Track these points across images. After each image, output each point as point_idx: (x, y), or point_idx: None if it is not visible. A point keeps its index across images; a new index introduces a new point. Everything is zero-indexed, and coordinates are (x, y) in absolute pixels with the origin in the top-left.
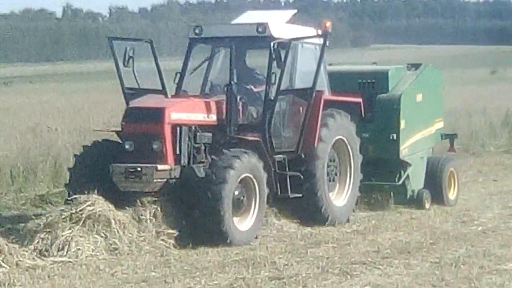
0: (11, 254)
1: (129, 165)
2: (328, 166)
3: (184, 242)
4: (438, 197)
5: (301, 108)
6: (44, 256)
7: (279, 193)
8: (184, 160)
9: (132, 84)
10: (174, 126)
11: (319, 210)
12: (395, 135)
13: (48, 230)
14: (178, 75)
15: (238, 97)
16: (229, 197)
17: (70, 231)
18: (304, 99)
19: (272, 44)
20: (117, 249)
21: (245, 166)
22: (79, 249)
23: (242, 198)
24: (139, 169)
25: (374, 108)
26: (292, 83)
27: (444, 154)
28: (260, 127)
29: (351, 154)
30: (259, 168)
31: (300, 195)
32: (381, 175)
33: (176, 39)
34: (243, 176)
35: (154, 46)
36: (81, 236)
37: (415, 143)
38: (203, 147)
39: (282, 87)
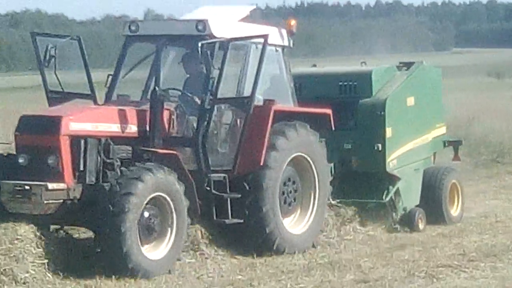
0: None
1: (16, 182)
2: (283, 189)
3: None
4: (438, 214)
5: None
6: None
7: (214, 217)
8: (90, 178)
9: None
10: (75, 138)
11: (270, 241)
12: (380, 145)
13: None
14: (110, 77)
15: (174, 106)
16: (134, 213)
17: None
18: (242, 109)
19: (199, 44)
20: (203, 253)
21: (159, 182)
22: None
23: (153, 221)
24: (27, 187)
25: (357, 114)
26: (240, 90)
27: (446, 164)
28: (193, 140)
29: (315, 173)
30: (177, 189)
31: (241, 220)
32: (367, 191)
33: None
34: (155, 194)
35: (83, 43)
36: None
37: (406, 153)
38: (118, 163)
39: (226, 95)
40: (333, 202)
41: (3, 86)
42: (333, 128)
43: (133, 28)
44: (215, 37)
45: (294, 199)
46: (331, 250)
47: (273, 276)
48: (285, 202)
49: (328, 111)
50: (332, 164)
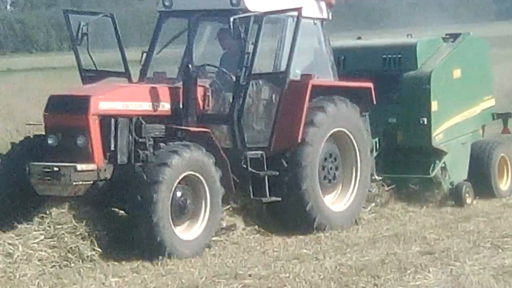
0: None
1: (46, 163)
2: (324, 165)
3: None
4: (487, 188)
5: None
6: None
7: (252, 196)
8: (121, 158)
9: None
10: (105, 118)
11: (310, 220)
12: (425, 119)
13: None
14: (145, 54)
15: (209, 82)
16: (165, 201)
17: None
18: (277, 85)
19: (231, 19)
20: (268, 227)
21: (187, 162)
22: (232, 228)
23: (186, 201)
24: (56, 169)
25: (401, 88)
26: (277, 65)
27: (495, 137)
28: (228, 117)
29: (356, 148)
30: (207, 164)
31: (279, 198)
32: (412, 166)
33: None
34: (185, 174)
35: (116, 20)
36: (230, 216)
37: (452, 127)
38: (150, 142)
39: (264, 71)
40: (377, 178)
41: (40, 66)
42: (375, 102)
43: (167, 3)
44: (249, 11)
45: (335, 176)
46: (395, 223)
47: (338, 249)
48: (325, 179)
49: (370, 84)
50: (376, 139)
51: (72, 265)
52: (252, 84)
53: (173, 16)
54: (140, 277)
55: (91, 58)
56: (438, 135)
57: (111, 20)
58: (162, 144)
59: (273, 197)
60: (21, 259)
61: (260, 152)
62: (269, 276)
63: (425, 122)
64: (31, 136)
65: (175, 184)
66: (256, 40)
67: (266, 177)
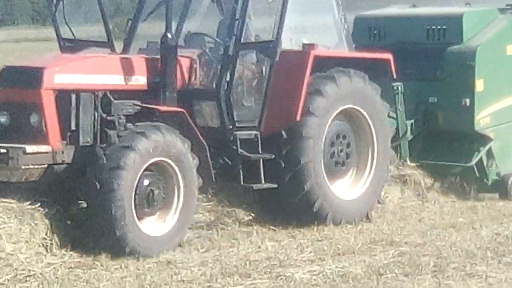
0: None
1: None
2: (333, 145)
3: None
4: None
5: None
6: None
7: (242, 182)
8: (84, 139)
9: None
10: (62, 93)
11: (311, 207)
12: (468, 100)
13: None
14: (130, 22)
15: (198, 53)
16: (127, 190)
17: None
18: (267, 56)
19: None
20: (425, 196)
21: (156, 146)
22: (387, 196)
23: (153, 191)
24: (2, 150)
25: (444, 64)
26: (276, 35)
27: None
28: (214, 93)
29: (372, 128)
30: (181, 149)
31: (275, 185)
32: (453, 152)
33: None
34: (153, 160)
35: None
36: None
37: (503, 110)
38: (122, 121)
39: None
40: (411, 164)
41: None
42: (394, 76)
43: None
44: None
45: (345, 159)
46: None
47: (495, 219)
48: (334, 161)
49: (388, 56)
50: (411, 121)
51: (229, 228)
52: (242, 55)
53: None
54: (296, 241)
55: (68, 25)
56: (483, 119)
57: None
58: (129, 125)
59: (267, 184)
60: None
61: (253, 132)
62: (425, 244)
63: (468, 104)
64: None
65: (141, 171)
66: (245, 4)
67: (261, 161)
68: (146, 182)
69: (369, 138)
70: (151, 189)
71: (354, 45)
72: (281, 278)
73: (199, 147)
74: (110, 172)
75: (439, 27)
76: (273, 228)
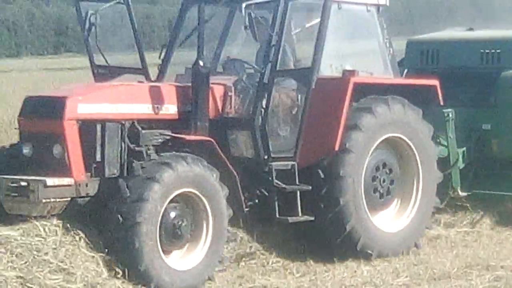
0: None
1: (14, 177)
2: (375, 178)
3: None
4: None
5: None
6: (450, 227)
7: (277, 215)
8: (110, 171)
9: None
10: (86, 123)
11: (355, 246)
12: None
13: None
14: (164, 49)
15: (232, 81)
16: (151, 223)
17: None
18: (303, 83)
19: (243, 5)
20: None
21: (182, 177)
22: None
23: (181, 224)
24: (23, 183)
25: (499, 89)
26: (312, 62)
27: None
28: (249, 122)
29: (417, 158)
30: (208, 180)
31: (312, 218)
32: (506, 182)
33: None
34: (179, 192)
35: (131, 7)
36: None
37: None
38: (151, 152)
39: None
40: (462, 193)
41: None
42: (441, 103)
43: None
44: None
45: (389, 190)
46: None
47: None
48: (376, 193)
49: (435, 82)
50: (464, 149)
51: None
52: (278, 82)
53: (199, 3)
54: (391, 266)
55: (100, 51)
56: None
57: (126, 7)
58: (153, 155)
59: (304, 216)
60: None
61: (290, 163)
62: None
63: None
64: (13, 145)
65: (166, 203)
66: (280, 30)
67: (298, 193)
68: (172, 214)
69: (413, 163)
70: (177, 222)
71: (406, 70)
72: None
73: (229, 176)
74: (133, 205)
75: (493, 50)
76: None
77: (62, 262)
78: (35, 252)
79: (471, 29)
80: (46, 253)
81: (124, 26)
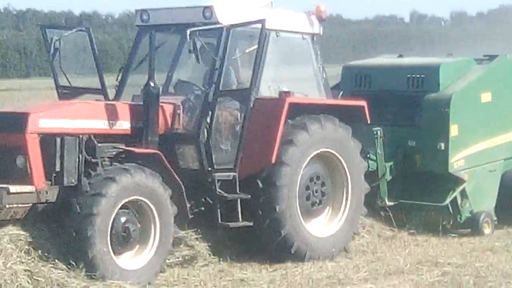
0: (372, 227)
1: None
2: (308, 188)
3: None
4: None
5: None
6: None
7: (219, 220)
8: (69, 179)
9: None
10: (47, 137)
11: (289, 249)
12: (442, 144)
13: None
14: (122, 71)
15: (181, 100)
16: (102, 234)
17: None
18: (242, 103)
19: (187, 32)
20: None
21: (127, 188)
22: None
23: (129, 228)
24: None
25: (422, 110)
26: (256, 84)
27: None
28: (194, 137)
29: (346, 171)
30: (152, 187)
31: (251, 223)
32: (429, 192)
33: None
34: (126, 200)
35: (92, 35)
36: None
37: (478, 153)
38: (106, 163)
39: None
40: (388, 203)
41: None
42: (368, 122)
43: (144, 17)
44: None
45: (321, 199)
46: None
47: None
48: (310, 202)
49: (363, 103)
50: (391, 163)
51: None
52: (221, 102)
53: (151, 30)
54: (352, 262)
55: (64, 74)
56: (457, 162)
57: (87, 35)
58: (99, 169)
59: (244, 222)
60: None
61: (232, 174)
62: (465, 265)
63: (442, 147)
64: None
65: (114, 214)
66: (222, 54)
67: (239, 201)
68: (122, 219)
69: (343, 175)
70: (126, 226)
71: (342, 93)
72: None
73: (176, 186)
74: (84, 220)
75: (418, 75)
76: None
77: None
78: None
79: (401, 56)
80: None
81: (84, 51)
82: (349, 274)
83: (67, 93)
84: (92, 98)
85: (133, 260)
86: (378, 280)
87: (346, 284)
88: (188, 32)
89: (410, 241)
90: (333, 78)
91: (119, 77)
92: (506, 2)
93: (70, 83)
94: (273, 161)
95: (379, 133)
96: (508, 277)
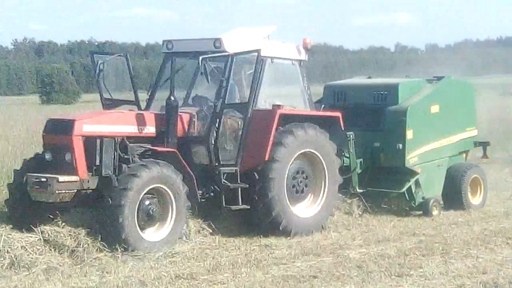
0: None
1: (37, 175)
2: (294, 178)
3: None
4: (458, 203)
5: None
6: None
7: (224, 204)
8: (106, 171)
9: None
10: (89, 138)
11: (278, 227)
12: (401, 145)
13: None
14: (151, 88)
15: (196, 110)
16: (131, 206)
17: None
18: (242, 113)
19: (200, 58)
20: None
21: (155, 176)
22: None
23: (152, 209)
24: (43, 179)
25: (385, 119)
26: (253, 99)
27: (472, 161)
28: (206, 140)
29: (324, 166)
30: (174, 179)
31: (248, 206)
32: (390, 182)
33: None
34: (153, 186)
35: (129, 59)
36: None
37: (428, 151)
38: (136, 159)
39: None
40: (359, 190)
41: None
42: (342, 128)
43: (169, 46)
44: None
45: (304, 188)
46: None
47: (483, 219)
48: (294, 188)
49: (338, 114)
50: (361, 159)
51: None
52: (226, 112)
53: (175, 57)
54: (350, 232)
55: (106, 88)
56: (412, 158)
57: (125, 59)
58: (136, 159)
59: (243, 205)
60: None
61: (234, 168)
62: (436, 235)
63: (400, 148)
64: (40, 153)
65: (143, 193)
66: (227, 75)
67: (239, 189)
68: (147, 202)
69: (322, 170)
70: (150, 208)
71: (323, 106)
72: (340, 257)
73: (189, 177)
74: (115, 210)
75: (382, 92)
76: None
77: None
78: None
79: (369, 77)
80: None
81: (123, 72)
82: (348, 241)
83: (109, 104)
84: (128, 108)
85: (156, 233)
86: (370, 246)
87: (346, 249)
88: (200, 58)
89: (394, 216)
90: (317, 95)
91: (149, 92)
92: (469, 36)
93: (111, 96)
94: (267, 158)
95: (351, 136)
96: (468, 244)
